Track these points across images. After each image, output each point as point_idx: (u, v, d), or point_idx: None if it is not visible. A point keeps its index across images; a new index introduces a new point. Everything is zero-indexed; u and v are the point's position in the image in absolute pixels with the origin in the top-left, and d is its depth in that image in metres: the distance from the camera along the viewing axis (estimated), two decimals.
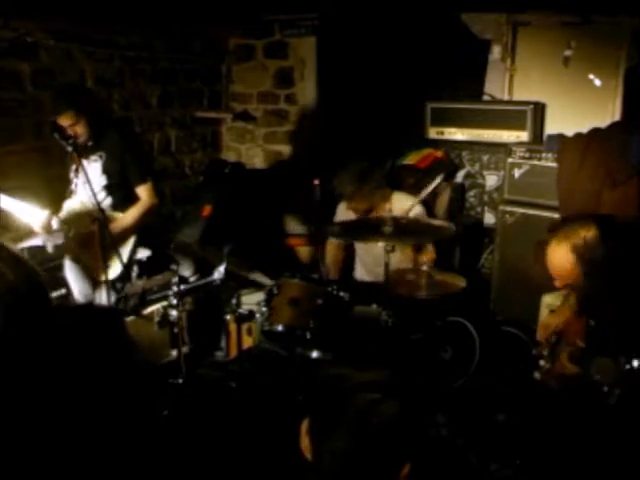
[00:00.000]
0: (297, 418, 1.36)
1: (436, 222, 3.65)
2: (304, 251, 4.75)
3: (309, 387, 1.35)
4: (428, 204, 4.22)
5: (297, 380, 3.04)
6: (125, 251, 3.54)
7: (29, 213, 3.29)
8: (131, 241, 3.60)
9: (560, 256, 2.45)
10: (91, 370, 1.25)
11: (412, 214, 3.67)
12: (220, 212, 4.72)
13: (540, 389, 2.68)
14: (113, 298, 3.46)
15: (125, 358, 1.29)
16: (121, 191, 3.54)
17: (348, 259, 4.13)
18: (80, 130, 3.35)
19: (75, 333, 1.27)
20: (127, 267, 3.55)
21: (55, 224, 3.33)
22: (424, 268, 3.20)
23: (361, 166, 3.70)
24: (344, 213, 3.90)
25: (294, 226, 4.92)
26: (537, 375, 2.73)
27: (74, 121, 3.31)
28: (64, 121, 3.30)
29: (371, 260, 3.89)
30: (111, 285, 3.37)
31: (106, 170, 3.48)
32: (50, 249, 3.40)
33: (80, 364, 1.24)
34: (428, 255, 3.58)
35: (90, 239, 3.26)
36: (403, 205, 3.65)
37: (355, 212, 3.70)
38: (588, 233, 2.42)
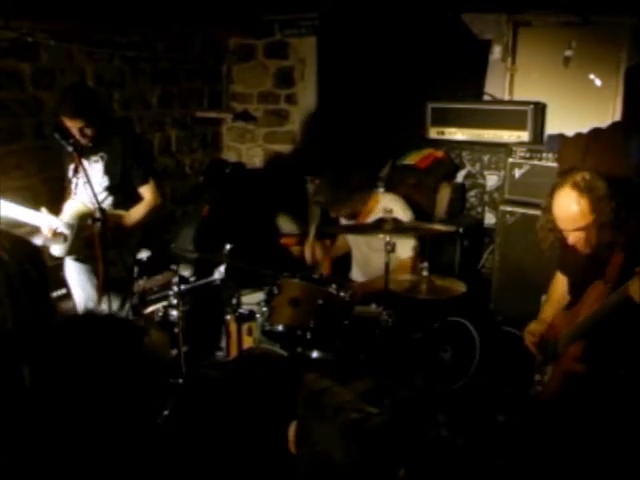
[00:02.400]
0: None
1: (436, 226, 3.63)
2: (297, 250, 4.75)
3: (295, 401, 1.33)
4: (420, 206, 4.20)
5: (297, 380, 3.04)
6: (129, 250, 3.53)
7: (32, 218, 3.26)
8: (136, 240, 3.59)
9: (567, 200, 2.42)
10: (102, 372, 1.25)
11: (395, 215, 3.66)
12: (220, 212, 4.72)
13: (540, 403, 2.65)
14: (116, 299, 3.46)
15: (142, 367, 1.30)
16: (123, 192, 3.53)
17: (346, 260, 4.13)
18: (86, 133, 3.33)
19: (91, 339, 1.29)
20: (131, 267, 3.54)
21: (58, 227, 3.31)
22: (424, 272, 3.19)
23: (333, 173, 3.70)
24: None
25: (287, 225, 4.91)
26: (536, 389, 2.69)
27: (82, 125, 3.30)
28: (70, 124, 3.29)
29: (364, 260, 3.89)
30: (115, 286, 3.36)
31: (108, 171, 3.46)
32: (53, 250, 3.39)
33: (91, 366, 1.25)
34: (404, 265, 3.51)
35: (92, 240, 3.25)
36: (387, 207, 3.62)
37: (344, 217, 3.71)
38: (584, 173, 2.46)
